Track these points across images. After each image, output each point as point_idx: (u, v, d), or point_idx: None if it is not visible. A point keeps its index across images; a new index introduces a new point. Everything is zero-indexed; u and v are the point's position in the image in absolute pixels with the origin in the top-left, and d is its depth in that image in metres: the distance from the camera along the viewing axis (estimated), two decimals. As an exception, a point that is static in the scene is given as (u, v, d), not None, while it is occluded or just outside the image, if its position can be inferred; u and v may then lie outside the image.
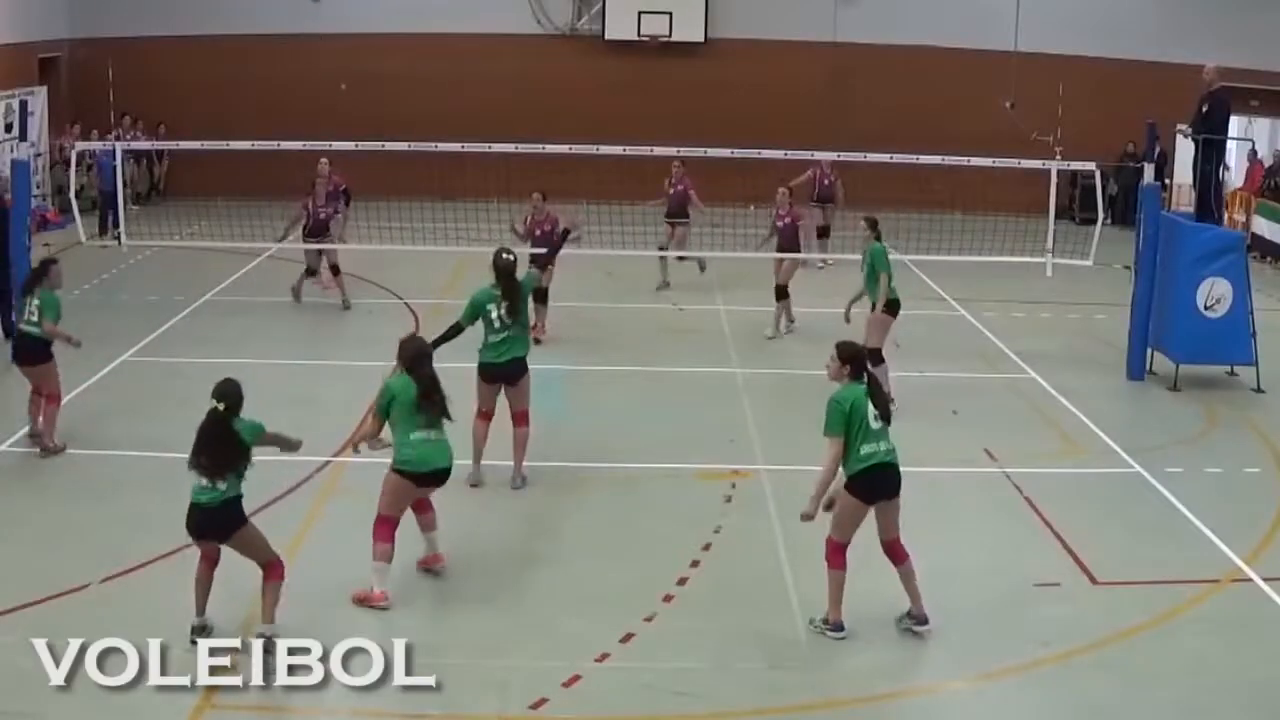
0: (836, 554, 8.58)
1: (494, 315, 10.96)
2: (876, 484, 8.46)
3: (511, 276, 11.11)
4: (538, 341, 14.80)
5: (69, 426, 12.48)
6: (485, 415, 11.06)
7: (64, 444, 11.84)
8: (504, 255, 11.25)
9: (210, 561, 8.34)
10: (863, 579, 9.58)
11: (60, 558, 9.53)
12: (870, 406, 8.43)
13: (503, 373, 11.01)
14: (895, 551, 8.64)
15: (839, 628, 8.59)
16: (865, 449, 8.40)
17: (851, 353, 8.66)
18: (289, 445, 8.71)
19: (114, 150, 19.92)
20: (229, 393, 8.18)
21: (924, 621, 8.61)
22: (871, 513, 8.56)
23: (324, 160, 18.80)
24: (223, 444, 8.06)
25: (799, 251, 17.15)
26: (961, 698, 8.16)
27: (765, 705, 7.91)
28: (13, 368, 12.20)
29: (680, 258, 19.22)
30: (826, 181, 20.82)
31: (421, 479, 9.05)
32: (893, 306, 13.45)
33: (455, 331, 10.95)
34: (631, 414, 13.39)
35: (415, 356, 9.19)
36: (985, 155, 17.44)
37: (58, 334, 11.81)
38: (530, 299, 11.62)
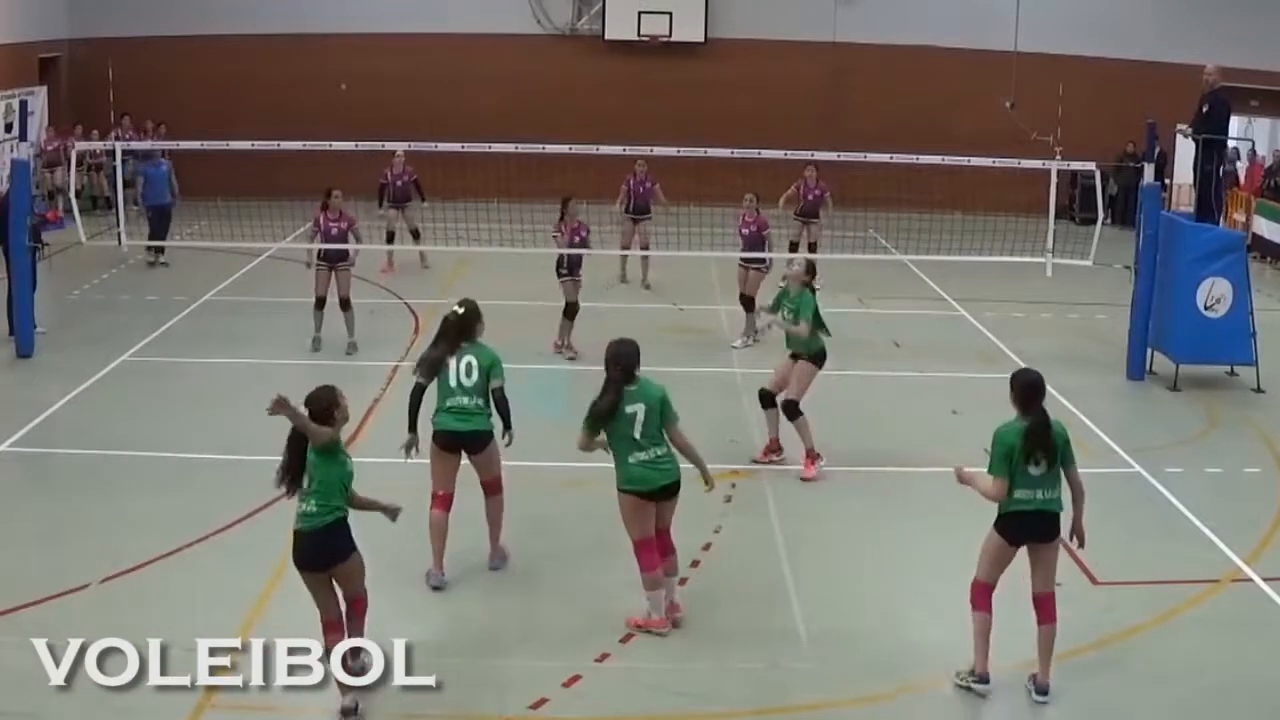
0: (979, 595, 7.88)
1: (450, 373, 9.18)
2: (1024, 527, 7.73)
3: (458, 330, 9.25)
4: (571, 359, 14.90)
5: (69, 426, 12.48)
6: (443, 500, 9.26)
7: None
8: (455, 310, 9.33)
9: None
10: (862, 583, 9.62)
11: (60, 558, 9.52)
12: (1030, 451, 7.63)
13: (464, 441, 9.25)
14: (1040, 607, 7.86)
15: (984, 679, 7.93)
16: (1020, 493, 7.69)
17: (1022, 383, 7.83)
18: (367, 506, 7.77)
19: (161, 162, 20.06)
20: (314, 398, 7.56)
21: (1044, 691, 7.82)
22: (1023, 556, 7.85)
23: (400, 152, 19.46)
24: (292, 449, 7.51)
25: (764, 261, 16.52)
26: (962, 698, 8.14)
27: (765, 705, 7.90)
28: (13, 368, 12.18)
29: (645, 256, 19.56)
30: (811, 196, 19.47)
31: (647, 495, 8.47)
32: (820, 357, 11.80)
33: (418, 394, 9.26)
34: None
35: (609, 357, 8.47)
36: (985, 155, 17.43)
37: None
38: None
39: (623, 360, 8.47)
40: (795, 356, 11.86)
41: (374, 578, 9.25)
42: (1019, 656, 8.19)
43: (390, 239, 20.22)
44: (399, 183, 20.17)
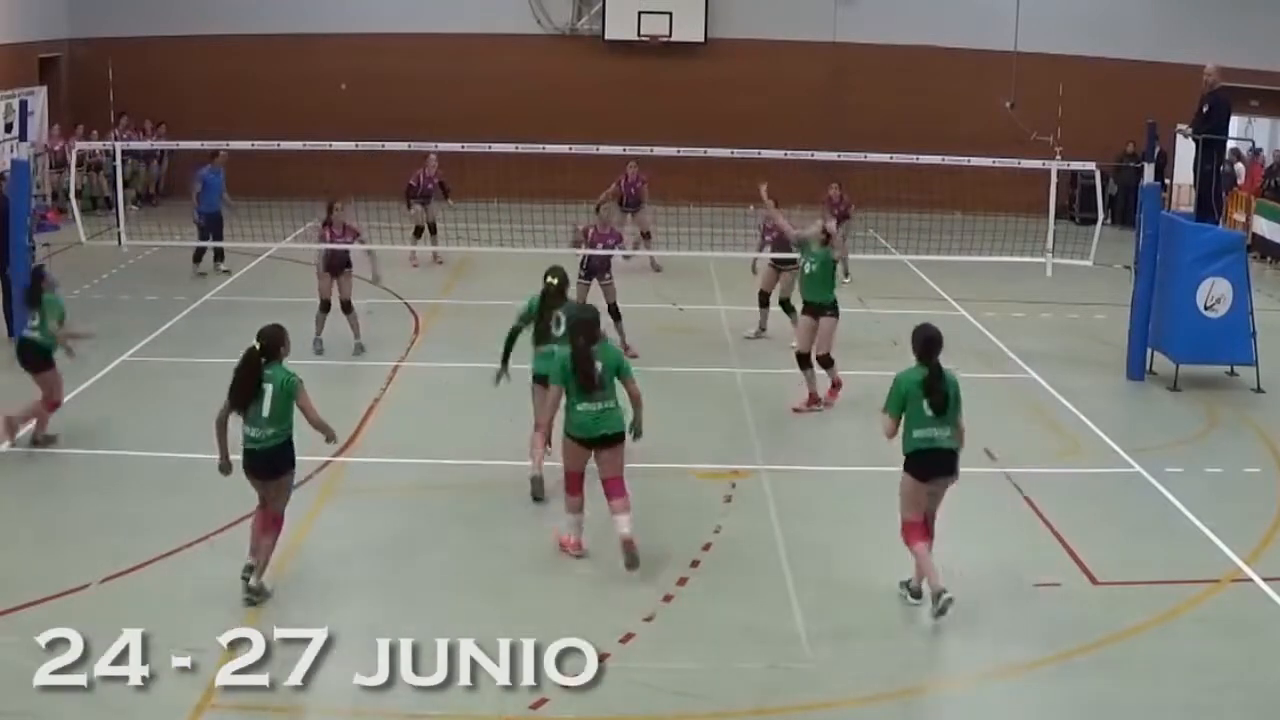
0: (912, 532, 8.78)
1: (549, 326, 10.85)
2: (928, 463, 8.70)
3: (560, 292, 10.92)
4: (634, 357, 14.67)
5: (69, 426, 12.48)
6: (542, 428, 10.61)
7: (56, 434, 12.03)
8: (550, 281, 10.95)
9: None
10: (862, 583, 9.61)
11: (60, 558, 9.53)
12: (924, 396, 8.63)
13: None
14: (928, 531, 8.87)
15: (918, 594, 8.93)
16: (919, 433, 8.69)
17: (923, 336, 8.87)
18: (318, 425, 9.01)
19: (219, 169, 19.67)
20: (265, 333, 8.98)
21: (918, 595, 8.94)
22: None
23: (433, 155, 20.11)
24: (244, 380, 8.81)
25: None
26: (961, 698, 8.15)
27: (765, 705, 7.90)
28: (13, 368, 12.21)
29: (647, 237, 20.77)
30: (836, 212, 19.42)
31: (585, 443, 9.39)
32: (835, 309, 13.67)
33: (513, 337, 10.98)
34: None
35: (570, 326, 9.70)
36: (985, 155, 17.42)
37: (65, 335, 11.92)
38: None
39: (584, 329, 9.48)
40: (810, 313, 13.64)
41: (377, 579, 9.32)
42: (1018, 657, 8.22)
43: (418, 234, 20.67)
44: (429, 185, 20.64)
